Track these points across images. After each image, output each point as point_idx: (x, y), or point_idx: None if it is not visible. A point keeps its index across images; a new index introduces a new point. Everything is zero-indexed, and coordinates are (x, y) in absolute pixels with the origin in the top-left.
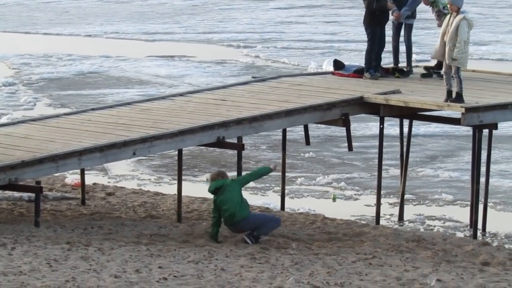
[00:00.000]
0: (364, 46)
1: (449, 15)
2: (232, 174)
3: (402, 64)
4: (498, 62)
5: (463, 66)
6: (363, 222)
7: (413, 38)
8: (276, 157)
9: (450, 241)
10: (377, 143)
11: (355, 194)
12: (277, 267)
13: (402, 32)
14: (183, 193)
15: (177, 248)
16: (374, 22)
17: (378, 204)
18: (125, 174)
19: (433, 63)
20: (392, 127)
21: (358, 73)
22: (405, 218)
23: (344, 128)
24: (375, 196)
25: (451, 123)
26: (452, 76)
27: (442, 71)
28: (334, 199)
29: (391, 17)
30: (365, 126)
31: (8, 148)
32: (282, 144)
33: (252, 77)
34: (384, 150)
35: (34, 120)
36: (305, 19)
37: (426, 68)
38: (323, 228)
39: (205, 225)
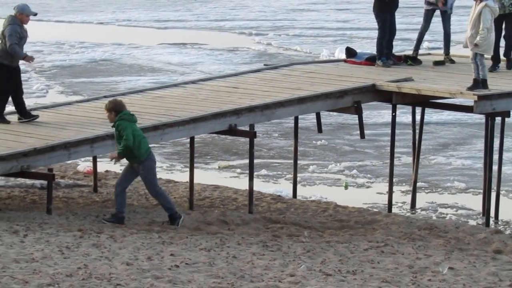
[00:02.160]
0: (376, 34)
1: (474, 3)
2: (244, 161)
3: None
4: None
5: (486, 53)
6: (375, 210)
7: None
8: (288, 144)
9: (462, 229)
10: (389, 131)
11: (367, 182)
12: (289, 255)
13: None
14: (195, 181)
15: (189, 236)
16: (383, 9)
17: (390, 192)
18: None
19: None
20: (404, 114)
21: (370, 60)
22: (417, 206)
23: (356, 115)
24: (387, 184)
25: (463, 111)
26: (473, 62)
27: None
28: (346, 187)
29: (424, 5)
30: (377, 114)
31: (21, 136)
32: (294, 132)
33: (264, 64)
34: (396, 137)
35: (46, 107)
36: (317, 7)
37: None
38: (335, 216)
39: (217, 213)
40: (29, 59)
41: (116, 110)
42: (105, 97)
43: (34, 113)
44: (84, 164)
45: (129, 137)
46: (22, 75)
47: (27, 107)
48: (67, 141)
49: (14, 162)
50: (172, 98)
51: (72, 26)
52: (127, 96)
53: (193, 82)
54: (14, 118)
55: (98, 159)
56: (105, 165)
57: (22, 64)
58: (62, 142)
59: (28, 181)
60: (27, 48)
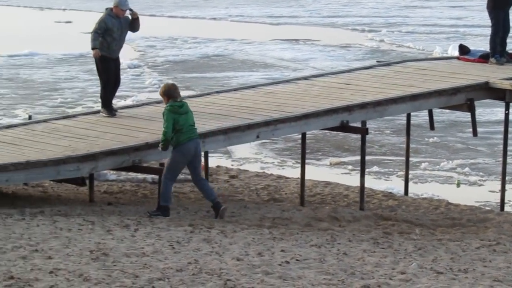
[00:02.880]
0: (489, 31)
1: None
2: (355, 158)
3: None
4: None
5: None
6: (487, 208)
7: None
8: (400, 141)
9: None
10: (502, 129)
11: (479, 180)
12: (400, 252)
13: None
14: (306, 177)
15: (300, 232)
16: (497, 6)
17: (503, 190)
18: (249, 157)
19: None
20: None
21: (484, 58)
22: None
23: (469, 113)
24: (500, 182)
25: None
26: None
27: None
28: (458, 185)
29: None
30: (490, 112)
31: (133, 130)
32: (406, 129)
33: (377, 61)
34: (509, 135)
35: (158, 102)
36: (430, 4)
37: None
38: (446, 213)
39: (328, 209)
40: (95, 53)
41: (168, 95)
42: (217, 92)
43: (146, 108)
44: None
45: (168, 128)
46: (135, 70)
47: (139, 102)
48: None
49: (126, 156)
50: (284, 94)
51: (185, 21)
52: (239, 92)
53: (305, 78)
54: (126, 112)
55: (209, 154)
56: (216, 160)
57: (135, 60)
58: None
59: (140, 176)
60: (141, 43)
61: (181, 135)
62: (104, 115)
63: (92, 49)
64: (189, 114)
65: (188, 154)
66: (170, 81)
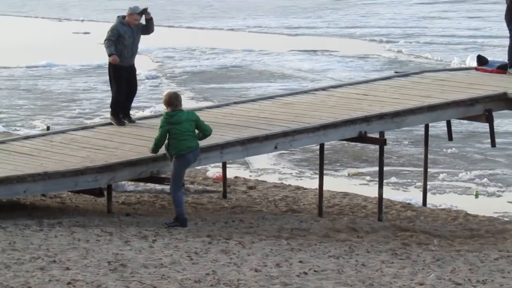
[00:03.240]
0: (507, 42)
1: None
2: (373, 169)
3: None
4: None
5: None
6: (506, 219)
7: None
8: (418, 152)
9: None
10: None
11: (498, 191)
12: (418, 263)
13: None
14: (324, 188)
15: (318, 243)
16: None
17: None
18: (267, 168)
19: None
20: None
21: (502, 69)
22: None
23: (487, 124)
24: None
25: None
26: None
27: None
28: (476, 196)
29: None
30: (508, 122)
31: (151, 141)
32: (424, 140)
33: (395, 72)
34: None
35: None
36: (448, 14)
37: None
38: (465, 224)
39: (346, 220)
40: (112, 59)
41: (168, 103)
42: (235, 103)
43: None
44: (213, 170)
45: (159, 136)
46: (153, 80)
47: (156, 113)
48: None
49: (144, 167)
50: (302, 105)
51: (203, 32)
52: (257, 102)
53: (323, 89)
54: (144, 123)
55: (227, 165)
56: (234, 171)
57: (153, 70)
58: None
59: (158, 187)
60: (159, 53)
61: (180, 144)
62: (113, 123)
63: (109, 55)
64: (184, 124)
65: (188, 164)
66: (172, 91)
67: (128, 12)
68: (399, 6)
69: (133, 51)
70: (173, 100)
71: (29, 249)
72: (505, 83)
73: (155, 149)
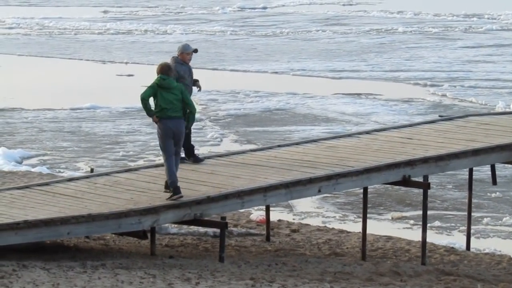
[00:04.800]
0: None
1: None
2: (417, 212)
3: None
4: None
5: None
6: None
7: None
8: (462, 196)
9: None
10: None
11: None
12: None
13: None
14: (367, 231)
15: (361, 286)
16: None
17: None
18: (310, 211)
19: None
20: None
21: None
22: None
23: None
24: None
25: None
26: None
27: None
28: None
29: None
30: None
31: (194, 184)
32: (468, 184)
33: (439, 115)
34: None
35: (220, 156)
36: (493, 58)
37: None
38: (509, 269)
39: (389, 264)
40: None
41: (160, 72)
42: (279, 146)
43: (208, 161)
44: (257, 213)
45: (144, 93)
46: (197, 123)
47: (201, 155)
48: (240, 190)
49: (188, 210)
50: (346, 148)
51: (247, 75)
52: (301, 146)
53: (367, 132)
54: (187, 166)
55: (271, 208)
56: (278, 214)
57: (197, 113)
58: (235, 190)
59: (201, 229)
60: (203, 96)
61: (162, 112)
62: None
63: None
64: (173, 91)
65: (167, 131)
66: (165, 62)
67: (179, 51)
68: (443, 50)
69: (190, 89)
70: (166, 69)
71: None
72: None
73: (143, 106)
